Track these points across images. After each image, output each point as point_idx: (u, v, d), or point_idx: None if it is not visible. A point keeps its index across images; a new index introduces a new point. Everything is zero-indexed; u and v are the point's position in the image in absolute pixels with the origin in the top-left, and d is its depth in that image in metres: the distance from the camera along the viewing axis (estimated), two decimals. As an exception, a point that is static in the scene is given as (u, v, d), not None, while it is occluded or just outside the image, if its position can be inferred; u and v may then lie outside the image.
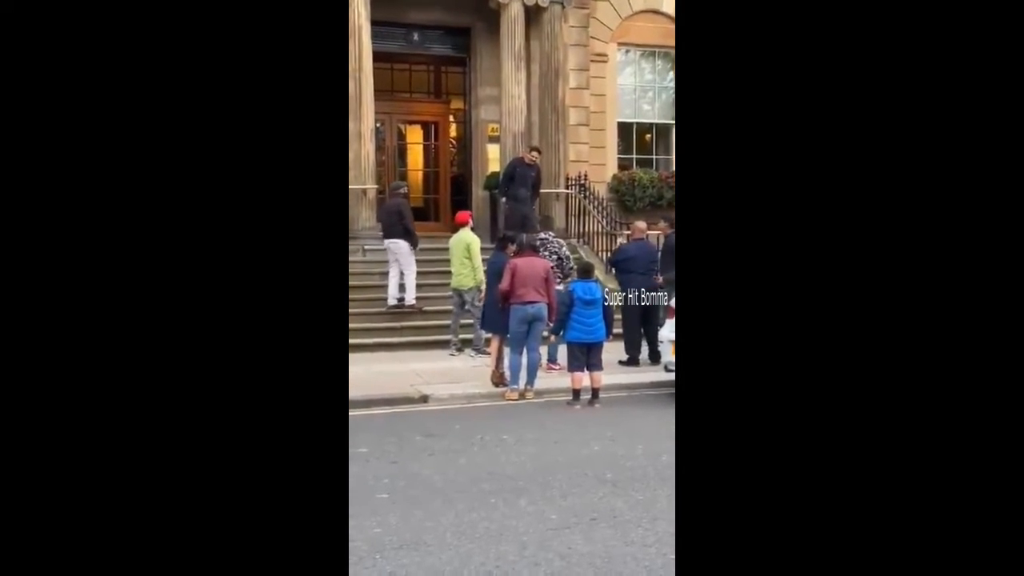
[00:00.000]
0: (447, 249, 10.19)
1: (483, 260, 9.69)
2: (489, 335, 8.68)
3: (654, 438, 6.27)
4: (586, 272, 8.06)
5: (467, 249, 9.75)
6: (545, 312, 7.97)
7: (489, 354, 8.84)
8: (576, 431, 6.61)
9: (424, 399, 7.88)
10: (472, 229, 10.27)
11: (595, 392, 7.72)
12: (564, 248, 9.55)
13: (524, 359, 7.93)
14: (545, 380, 8.57)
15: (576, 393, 7.69)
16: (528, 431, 6.59)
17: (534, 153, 12.32)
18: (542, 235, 9.61)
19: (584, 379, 7.71)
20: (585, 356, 7.70)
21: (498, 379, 8.17)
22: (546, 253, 9.29)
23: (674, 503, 4.42)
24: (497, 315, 8.21)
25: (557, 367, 8.94)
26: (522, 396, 7.89)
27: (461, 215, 10.45)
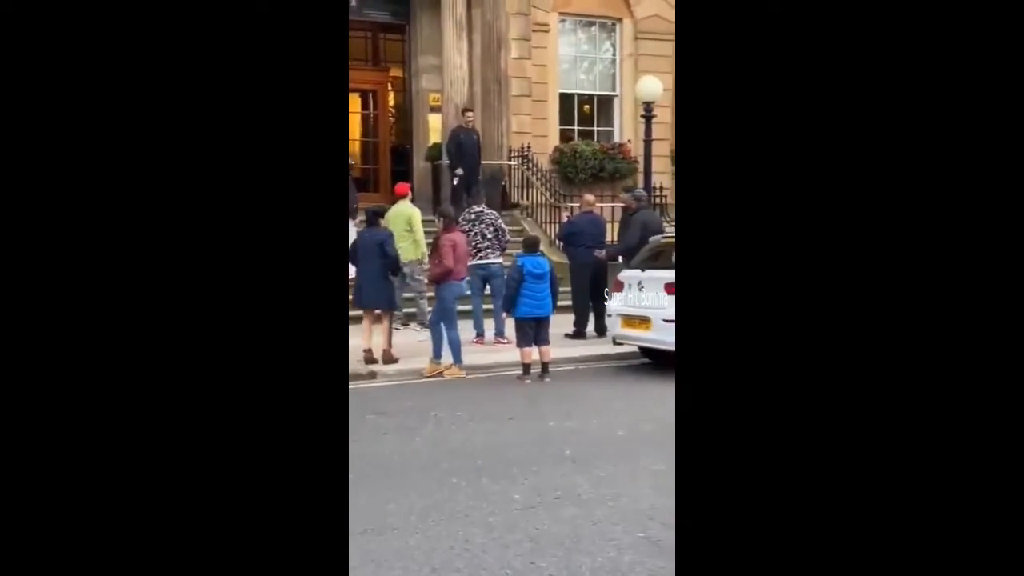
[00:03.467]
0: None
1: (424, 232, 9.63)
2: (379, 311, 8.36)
3: (608, 412, 6.31)
4: (532, 246, 7.98)
5: (408, 221, 9.63)
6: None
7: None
8: (529, 407, 6.60)
9: (372, 375, 7.77)
10: (412, 201, 10.14)
11: (544, 366, 7.72)
12: (500, 220, 9.44)
13: (445, 335, 7.86)
14: (492, 355, 8.56)
15: (527, 368, 7.67)
16: (481, 407, 6.56)
17: (469, 114, 12.18)
18: (476, 208, 9.50)
19: (533, 353, 7.71)
20: (534, 331, 7.70)
21: (369, 357, 7.96)
22: (482, 226, 9.22)
23: (635, 479, 4.50)
24: (379, 291, 8.05)
25: (505, 341, 8.92)
26: (442, 373, 7.79)
27: (400, 187, 10.28)
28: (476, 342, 9.19)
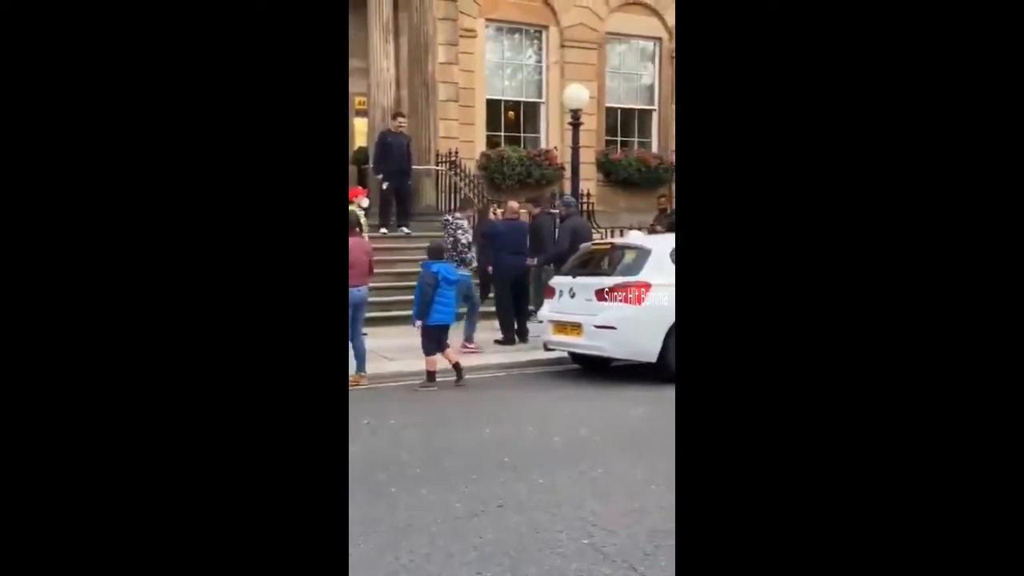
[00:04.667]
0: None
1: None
2: None
3: (542, 419, 6.31)
4: (438, 253, 7.83)
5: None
6: (367, 295, 7.75)
7: None
8: (462, 414, 6.55)
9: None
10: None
11: (459, 368, 7.61)
12: (462, 233, 9.25)
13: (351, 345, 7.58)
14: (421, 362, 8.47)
15: (432, 375, 7.56)
16: (414, 415, 6.48)
17: (400, 119, 12.07)
18: (447, 217, 9.45)
19: (438, 361, 7.61)
20: (438, 338, 7.59)
21: None
22: (443, 234, 9.15)
23: (574, 485, 4.50)
24: None
25: (473, 347, 8.89)
26: (356, 383, 7.52)
27: (352, 190, 10.33)
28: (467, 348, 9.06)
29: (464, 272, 9.03)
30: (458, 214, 9.60)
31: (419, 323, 7.61)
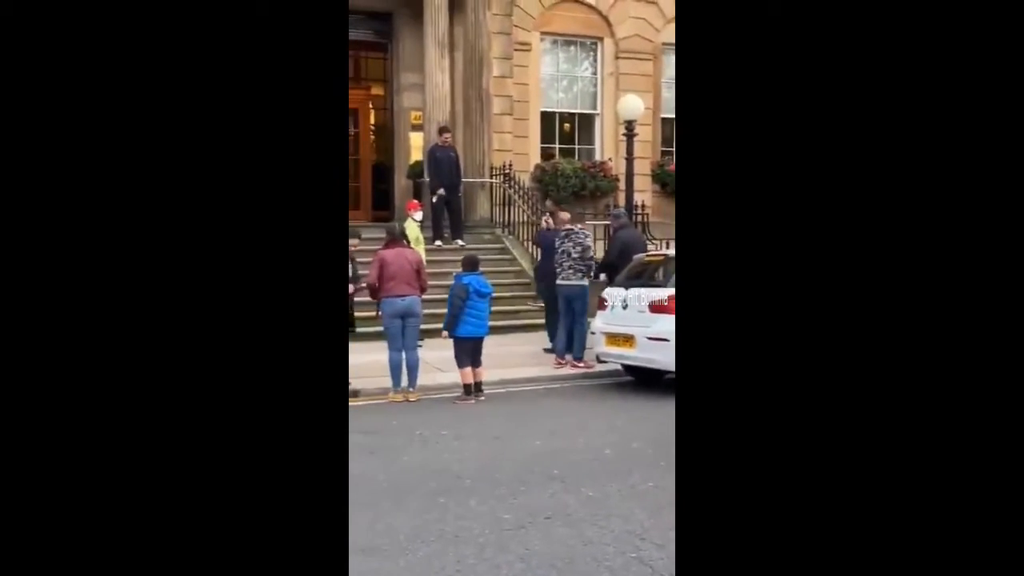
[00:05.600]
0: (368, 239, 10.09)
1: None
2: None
3: (594, 431, 6.28)
4: (472, 265, 7.79)
5: (415, 239, 9.84)
6: (418, 305, 7.71)
7: None
8: (514, 425, 6.56)
9: (355, 394, 7.69)
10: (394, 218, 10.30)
11: (479, 386, 7.63)
12: (588, 239, 9.21)
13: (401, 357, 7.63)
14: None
15: (468, 388, 7.56)
16: (466, 426, 6.51)
17: (446, 135, 12.20)
18: (567, 226, 9.39)
19: (471, 374, 7.60)
20: (471, 351, 7.58)
21: None
22: (568, 244, 9.09)
23: (625, 499, 4.47)
24: None
25: (583, 365, 8.83)
26: (406, 399, 7.57)
27: (410, 203, 10.71)
28: (560, 363, 9.04)
29: (585, 281, 9.00)
30: (579, 225, 9.54)
31: (445, 334, 7.66)
